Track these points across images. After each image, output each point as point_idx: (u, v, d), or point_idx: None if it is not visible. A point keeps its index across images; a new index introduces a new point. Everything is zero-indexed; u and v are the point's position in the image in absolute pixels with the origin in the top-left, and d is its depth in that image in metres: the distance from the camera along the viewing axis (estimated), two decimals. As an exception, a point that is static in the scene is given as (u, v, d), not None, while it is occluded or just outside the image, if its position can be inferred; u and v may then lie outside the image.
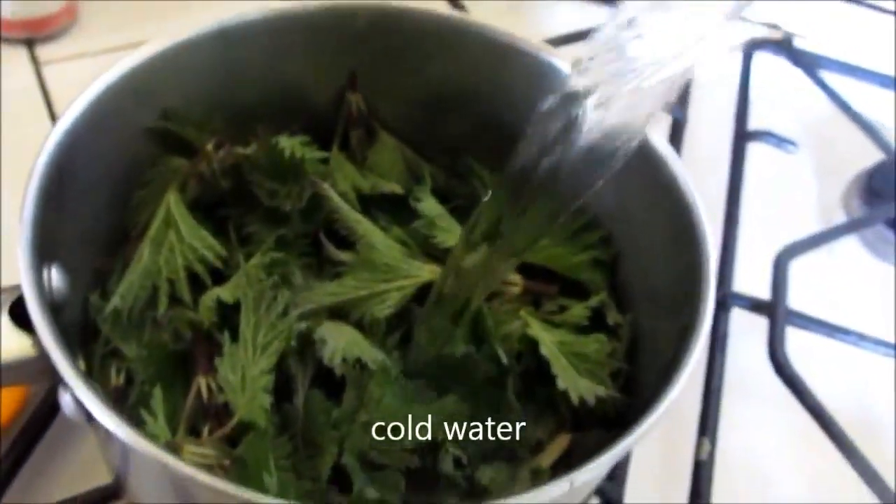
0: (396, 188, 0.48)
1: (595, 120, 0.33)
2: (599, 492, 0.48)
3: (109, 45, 0.67)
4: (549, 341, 0.43)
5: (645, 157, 0.43)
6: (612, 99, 0.33)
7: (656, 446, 0.53)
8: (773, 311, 0.57)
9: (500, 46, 0.47)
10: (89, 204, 0.43)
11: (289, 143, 0.45)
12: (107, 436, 0.34)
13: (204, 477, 0.29)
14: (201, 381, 0.40)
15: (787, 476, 0.54)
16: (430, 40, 0.47)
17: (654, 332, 0.43)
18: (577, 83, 0.34)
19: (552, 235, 0.47)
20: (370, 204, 0.47)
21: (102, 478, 0.46)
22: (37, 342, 0.33)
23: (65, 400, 0.34)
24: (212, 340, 0.41)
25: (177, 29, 0.45)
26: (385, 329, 0.42)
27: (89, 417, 0.33)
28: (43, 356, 0.33)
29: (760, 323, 0.58)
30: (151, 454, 0.29)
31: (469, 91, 0.49)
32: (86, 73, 0.65)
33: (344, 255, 0.44)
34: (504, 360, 0.41)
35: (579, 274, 0.47)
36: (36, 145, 0.60)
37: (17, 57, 0.65)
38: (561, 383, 0.41)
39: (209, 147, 0.44)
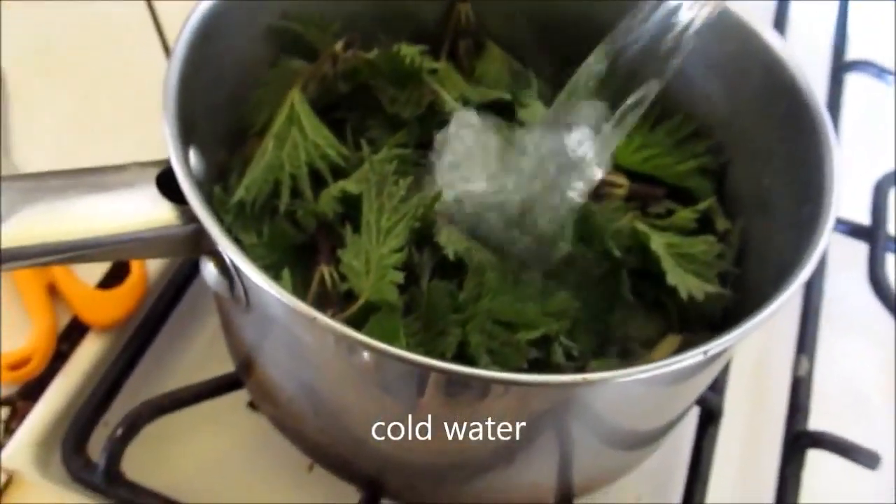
0: (503, 94, 0.48)
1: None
2: (700, 400, 0.48)
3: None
4: (657, 239, 0.43)
5: (759, 60, 0.44)
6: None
7: (753, 362, 0.53)
8: (874, 235, 0.57)
9: None
10: (213, 98, 0.44)
11: (410, 51, 0.46)
12: (249, 304, 0.35)
13: (359, 336, 0.30)
14: (324, 270, 0.41)
15: (884, 399, 0.54)
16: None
17: (764, 238, 0.44)
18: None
19: (658, 143, 0.47)
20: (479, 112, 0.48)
21: (215, 371, 0.48)
22: (183, 213, 0.35)
23: (208, 269, 0.35)
24: (332, 233, 0.42)
25: None
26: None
27: (232, 285, 0.35)
28: (190, 225, 0.35)
29: (859, 249, 0.57)
30: (304, 311, 0.30)
31: (577, 7, 0.49)
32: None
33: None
34: (617, 253, 0.42)
35: (686, 182, 0.47)
36: (145, 62, 0.63)
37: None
38: (670, 279, 0.41)
39: (338, 47, 0.45)
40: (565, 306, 0.41)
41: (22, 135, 0.58)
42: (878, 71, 0.66)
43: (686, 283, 0.42)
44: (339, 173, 0.44)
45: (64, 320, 0.50)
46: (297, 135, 0.44)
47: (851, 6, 0.72)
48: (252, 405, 0.49)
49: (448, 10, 0.51)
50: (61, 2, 0.65)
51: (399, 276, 0.38)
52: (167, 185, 0.35)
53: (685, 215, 0.45)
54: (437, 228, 0.41)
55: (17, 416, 0.47)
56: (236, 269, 0.34)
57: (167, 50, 0.63)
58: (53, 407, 0.46)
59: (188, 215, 0.34)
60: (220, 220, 0.43)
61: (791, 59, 0.43)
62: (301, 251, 0.42)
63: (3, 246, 0.32)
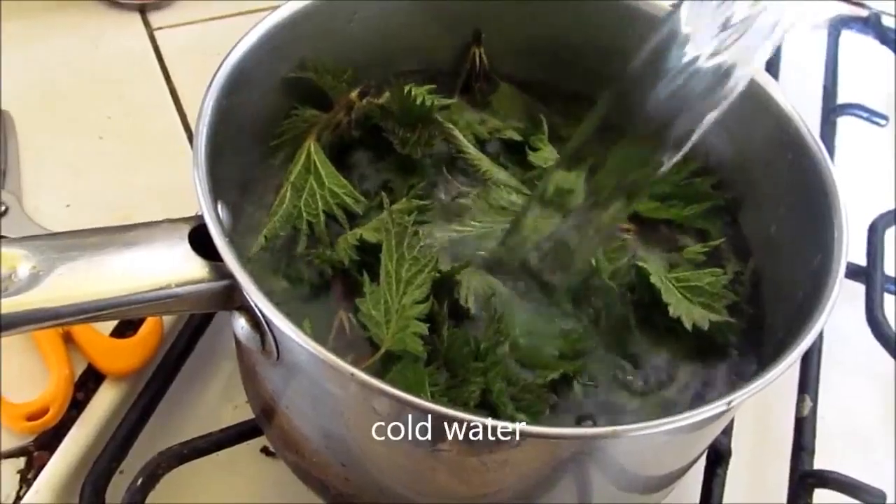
0: (514, 134, 0.50)
1: (697, 58, 0.36)
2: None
3: (218, 12, 0.69)
4: (661, 273, 0.44)
5: (765, 112, 0.45)
6: (715, 39, 0.36)
7: (757, 402, 0.54)
8: (871, 276, 0.58)
9: (620, 6, 0.49)
10: (235, 151, 0.45)
11: (419, 91, 0.48)
12: (280, 358, 0.36)
13: (390, 388, 0.30)
14: (342, 316, 0.42)
15: (886, 438, 0.55)
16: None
17: (778, 279, 0.45)
18: (681, 24, 0.37)
19: (663, 184, 0.49)
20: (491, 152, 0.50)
21: (230, 420, 0.48)
22: (215, 269, 0.36)
23: (239, 324, 0.36)
24: (348, 279, 0.43)
25: None
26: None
27: (263, 339, 0.36)
28: (222, 281, 0.36)
29: (856, 289, 0.59)
30: (341, 367, 0.31)
31: (588, 47, 0.51)
32: (196, 39, 0.68)
33: (467, 191, 0.47)
34: (616, 289, 0.44)
35: (695, 222, 0.48)
36: (152, 105, 0.64)
37: (131, 23, 0.68)
38: (673, 310, 0.43)
39: (353, 95, 0.46)
40: (582, 345, 0.43)
41: (32, 180, 0.58)
42: (869, 113, 0.68)
43: (690, 314, 0.43)
44: (354, 217, 0.45)
45: (79, 368, 0.50)
46: (313, 183, 0.45)
47: (841, 50, 0.74)
48: (267, 451, 0.49)
49: (461, 55, 0.52)
50: (66, 43, 0.66)
51: (423, 328, 0.39)
52: (198, 240, 0.36)
53: (694, 250, 0.47)
54: (458, 283, 0.42)
55: (33, 467, 0.47)
56: (268, 323, 0.34)
57: (174, 94, 0.64)
58: (71, 457, 0.47)
59: (221, 271, 0.35)
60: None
61: (795, 113, 0.44)
62: (317, 296, 0.43)
63: (42, 306, 0.32)
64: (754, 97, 0.45)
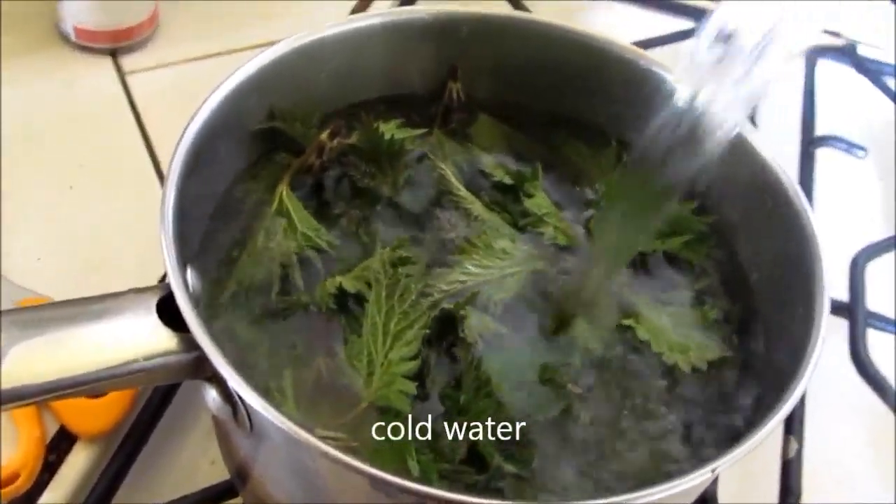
0: (507, 178, 0.49)
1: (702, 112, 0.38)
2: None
3: (190, 54, 0.68)
4: (652, 320, 0.44)
5: (744, 159, 0.45)
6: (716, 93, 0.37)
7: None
8: (853, 312, 0.58)
9: (596, 51, 0.49)
10: (204, 208, 0.44)
11: (387, 127, 0.47)
12: (253, 430, 0.35)
13: (371, 470, 0.30)
14: (321, 363, 0.41)
15: (872, 476, 0.54)
16: (531, 45, 0.49)
17: (765, 319, 0.44)
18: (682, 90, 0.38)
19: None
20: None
21: (206, 478, 0.47)
22: (184, 340, 0.35)
23: (210, 396, 0.35)
24: (325, 322, 0.42)
25: (257, 37, 0.48)
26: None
27: (235, 411, 0.35)
28: (192, 353, 0.35)
29: (838, 325, 0.58)
30: (314, 445, 0.30)
31: (565, 90, 0.51)
32: (168, 82, 0.67)
33: (466, 236, 0.45)
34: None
35: (682, 253, 0.48)
36: (124, 151, 0.63)
37: (102, 67, 0.67)
38: (667, 358, 0.42)
39: (324, 136, 0.45)
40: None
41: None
42: (848, 145, 0.68)
43: (687, 358, 0.43)
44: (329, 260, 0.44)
45: (51, 429, 0.49)
46: (286, 226, 0.45)
47: (818, 80, 0.74)
48: (245, 510, 0.48)
49: (438, 91, 0.52)
50: (37, 89, 0.65)
51: (412, 387, 0.38)
52: (167, 310, 0.35)
53: (683, 296, 0.46)
54: (463, 318, 0.41)
55: (4, 534, 0.46)
56: (240, 397, 0.33)
57: (146, 139, 0.63)
58: (43, 522, 0.45)
59: (190, 342, 0.34)
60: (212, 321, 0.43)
61: (775, 161, 0.44)
62: (293, 342, 0.42)
63: (3, 387, 0.31)
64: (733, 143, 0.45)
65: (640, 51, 0.48)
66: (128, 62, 0.67)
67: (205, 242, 0.44)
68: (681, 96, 0.39)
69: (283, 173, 0.46)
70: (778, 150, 0.67)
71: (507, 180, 0.48)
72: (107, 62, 0.67)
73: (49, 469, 0.47)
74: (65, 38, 0.67)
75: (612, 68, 0.48)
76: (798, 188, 0.43)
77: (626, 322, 0.44)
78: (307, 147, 0.46)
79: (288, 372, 0.39)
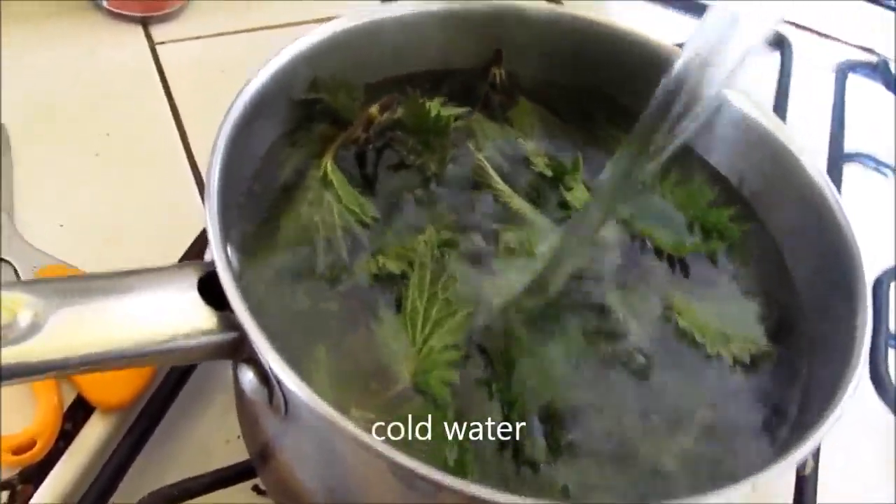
0: (547, 170, 0.48)
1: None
2: None
3: (221, 28, 0.67)
4: (694, 312, 0.44)
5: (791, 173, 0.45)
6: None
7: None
8: (876, 333, 0.58)
9: (633, 44, 0.50)
10: (246, 184, 0.44)
11: (434, 104, 0.47)
12: (288, 414, 0.34)
13: (412, 464, 0.29)
14: (358, 340, 0.40)
15: (889, 496, 0.54)
16: (579, 42, 0.50)
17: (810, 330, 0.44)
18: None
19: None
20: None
21: (222, 459, 0.47)
22: (224, 319, 0.34)
23: (247, 378, 0.34)
24: (366, 301, 0.41)
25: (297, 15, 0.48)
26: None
27: (271, 394, 0.34)
28: (231, 333, 0.34)
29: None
30: (357, 435, 0.30)
31: (601, 79, 0.51)
32: (198, 55, 0.66)
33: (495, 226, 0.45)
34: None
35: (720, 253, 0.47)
36: (151, 122, 0.62)
37: (132, 35, 0.66)
38: (710, 349, 0.42)
39: (374, 109, 0.45)
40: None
41: (25, 197, 0.56)
42: (876, 163, 0.68)
43: (729, 349, 0.43)
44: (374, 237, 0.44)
45: (68, 398, 0.48)
46: (331, 199, 0.44)
47: (849, 98, 0.74)
48: (258, 490, 0.48)
49: (482, 73, 0.52)
50: (65, 53, 0.64)
51: (454, 376, 0.38)
52: (208, 288, 0.34)
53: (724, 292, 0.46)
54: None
55: (17, 501, 0.45)
56: (278, 381, 0.33)
57: (174, 112, 0.62)
58: (56, 492, 0.45)
59: (230, 322, 0.34)
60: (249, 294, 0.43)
61: (822, 175, 0.44)
62: (329, 319, 0.42)
63: (43, 358, 0.31)
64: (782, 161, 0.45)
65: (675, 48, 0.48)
66: (159, 32, 0.67)
67: (243, 211, 0.43)
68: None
69: (327, 144, 0.45)
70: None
71: (548, 172, 0.47)
72: (138, 31, 0.66)
73: (65, 438, 0.47)
74: (96, 5, 0.67)
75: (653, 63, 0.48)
76: (842, 205, 0.42)
77: (669, 312, 0.43)
78: (349, 119, 0.46)
79: (323, 347, 0.38)
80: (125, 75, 0.64)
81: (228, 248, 0.38)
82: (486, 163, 0.46)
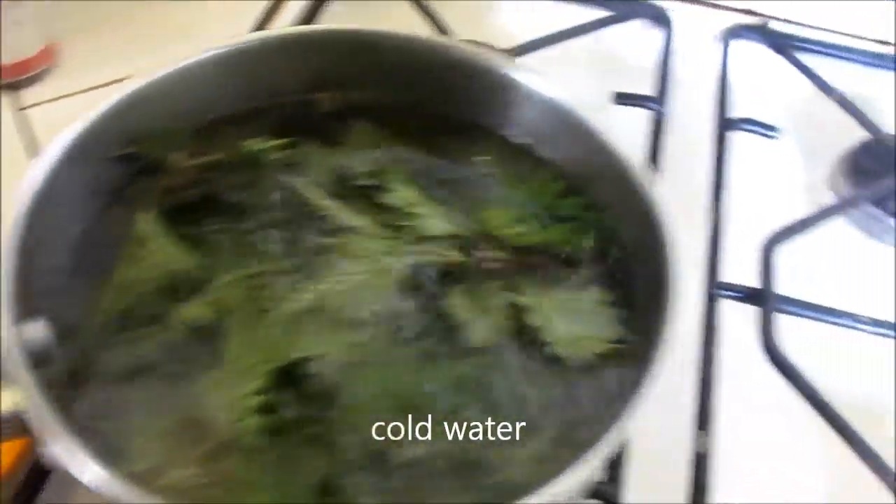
0: (365, 179, 0.48)
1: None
2: (597, 494, 0.48)
3: (89, 84, 0.67)
4: (543, 307, 0.43)
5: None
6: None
7: (653, 442, 0.53)
8: (763, 299, 0.57)
9: (466, 63, 0.50)
10: (62, 242, 0.44)
11: (252, 141, 0.47)
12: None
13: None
14: (178, 396, 0.39)
15: (787, 466, 0.53)
16: (405, 60, 0.50)
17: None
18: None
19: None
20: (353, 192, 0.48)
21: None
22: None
23: (49, 453, 0.34)
24: (188, 351, 0.41)
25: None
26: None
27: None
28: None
29: (753, 313, 0.57)
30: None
31: (437, 98, 0.51)
32: (68, 114, 0.66)
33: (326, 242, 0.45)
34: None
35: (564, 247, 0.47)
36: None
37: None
38: (559, 350, 0.42)
39: (180, 159, 0.45)
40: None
41: None
42: (761, 127, 0.67)
43: (576, 348, 0.42)
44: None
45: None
46: (145, 254, 0.44)
47: (732, 62, 0.73)
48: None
49: (312, 101, 0.51)
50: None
51: (259, 422, 0.38)
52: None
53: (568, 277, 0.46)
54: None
55: None
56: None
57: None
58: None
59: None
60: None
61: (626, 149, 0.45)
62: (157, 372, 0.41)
63: None
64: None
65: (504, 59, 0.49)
66: (26, 96, 0.66)
67: (65, 279, 0.43)
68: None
69: (144, 197, 0.45)
70: (692, 135, 0.68)
71: (366, 181, 0.47)
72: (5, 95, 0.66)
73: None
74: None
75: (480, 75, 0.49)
76: (646, 173, 0.43)
77: (519, 302, 0.43)
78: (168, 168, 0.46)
79: (141, 409, 0.38)
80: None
81: (39, 328, 0.38)
82: (308, 187, 0.46)
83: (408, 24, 0.71)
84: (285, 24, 0.72)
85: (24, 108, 0.66)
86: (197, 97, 0.48)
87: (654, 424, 0.53)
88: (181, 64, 0.47)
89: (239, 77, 0.49)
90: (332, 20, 0.72)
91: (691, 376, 0.54)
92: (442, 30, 0.70)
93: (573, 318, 0.44)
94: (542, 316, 0.43)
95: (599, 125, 0.46)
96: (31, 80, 0.67)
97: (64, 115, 0.65)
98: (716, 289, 0.58)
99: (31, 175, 0.40)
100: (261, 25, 0.71)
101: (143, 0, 0.74)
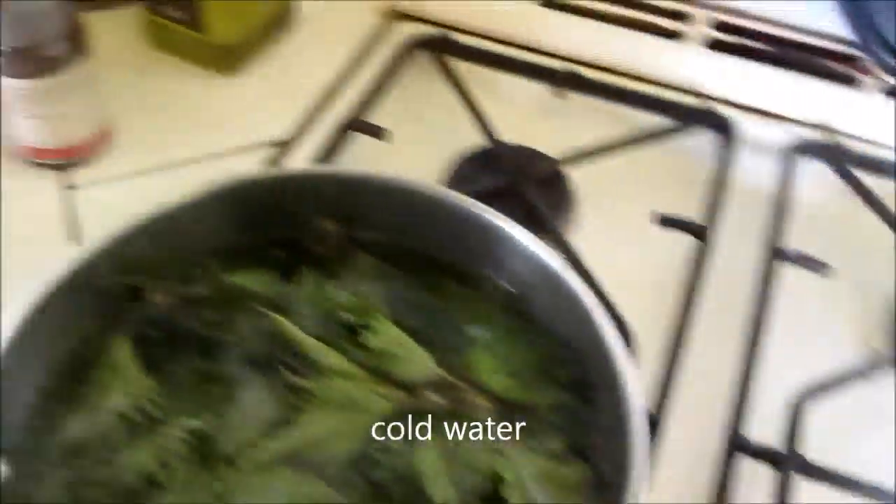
0: (349, 316, 0.47)
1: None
2: None
3: (140, 166, 0.68)
4: (522, 474, 0.42)
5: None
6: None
7: None
8: (783, 461, 0.53)
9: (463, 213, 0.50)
10: (44, 362, 0.44)
11: (236, 275, 0.47)
12: None
13: None
14: None
15: None
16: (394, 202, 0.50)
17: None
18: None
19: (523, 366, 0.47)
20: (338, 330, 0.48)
21: None
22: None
23: None
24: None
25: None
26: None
27: None
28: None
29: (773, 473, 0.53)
30: None
31: (439, 243, 0.51)
32: (116, 197, 0.68)
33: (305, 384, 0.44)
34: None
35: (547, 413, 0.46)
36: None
37: (48, 180, 0.68)
38: None
39: (154, 291, 0.46)
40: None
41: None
42: (814, 263, 0.62)
43: None
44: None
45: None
46: (114, 385, 0.44)
47: (793, 185, 0.69)
48: None
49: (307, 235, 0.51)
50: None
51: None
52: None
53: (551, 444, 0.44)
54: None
55: None
56: None
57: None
58: None
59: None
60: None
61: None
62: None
63: None
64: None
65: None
66: (77, 176, 0.68)
67: (41, 401, 0.44)
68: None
69: (118, 327, 0.46)
70: (738, 260, 0.64)
71: (349, 317, 0.47)
72: (52, 177, 0.68)
73: None
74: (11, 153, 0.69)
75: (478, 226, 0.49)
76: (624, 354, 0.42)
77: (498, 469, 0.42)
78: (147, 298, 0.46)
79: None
80: (38, 221, 0.65)
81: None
82: (287, 324, 0.45)
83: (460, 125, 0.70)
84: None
85: (71, 188, 0.67)
86: (201, 229, 0.49)
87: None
88: (188, 198, 0.48)
89: (243, 209, 0.49)
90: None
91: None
92: (491, 134, 0.69)
93: (550, 492, 0.42)
94: (519, 489, 0.41)
95: (586, 299, 0.45)
96: (81, 162, 0.69)
97: (110, 197, 0.68)
98: (734, 445, 0.54)
99: (23, 301, 0.41)
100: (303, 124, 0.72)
101: (201, 79, 0.76)
